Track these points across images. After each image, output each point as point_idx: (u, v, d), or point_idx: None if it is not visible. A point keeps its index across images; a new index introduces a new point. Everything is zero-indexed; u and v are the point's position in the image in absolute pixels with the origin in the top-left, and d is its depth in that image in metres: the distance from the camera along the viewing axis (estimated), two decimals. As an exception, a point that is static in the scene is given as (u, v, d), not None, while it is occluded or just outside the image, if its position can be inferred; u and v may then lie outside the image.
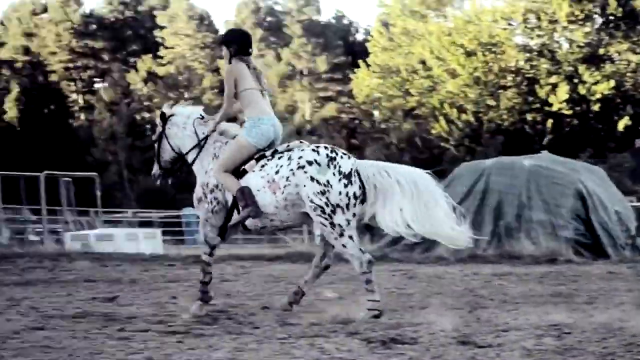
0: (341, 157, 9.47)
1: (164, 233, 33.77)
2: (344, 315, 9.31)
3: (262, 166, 9.66)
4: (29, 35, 70.30)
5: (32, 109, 63.37)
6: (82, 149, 60.90)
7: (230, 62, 10.05)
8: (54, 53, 69.65)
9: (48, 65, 68.52)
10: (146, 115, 68.99)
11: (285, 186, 9.46)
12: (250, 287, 13.77)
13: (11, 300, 11.33)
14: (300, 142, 9.87)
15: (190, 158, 10.24)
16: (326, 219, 9.31)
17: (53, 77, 68.20)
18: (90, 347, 7.64)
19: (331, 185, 9.28)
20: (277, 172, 9.53)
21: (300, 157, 9.48)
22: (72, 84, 71.68)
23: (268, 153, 9.75)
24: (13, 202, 32.21)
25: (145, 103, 69.44)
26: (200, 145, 10.15)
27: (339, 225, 9.30)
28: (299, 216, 9.62)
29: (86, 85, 72.36)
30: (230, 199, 9.76)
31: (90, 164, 55.30)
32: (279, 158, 9.63)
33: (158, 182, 10.57)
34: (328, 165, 9.35)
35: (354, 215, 9.35)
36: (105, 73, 71.55)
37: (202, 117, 10.38)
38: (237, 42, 10.13)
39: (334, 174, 9.31)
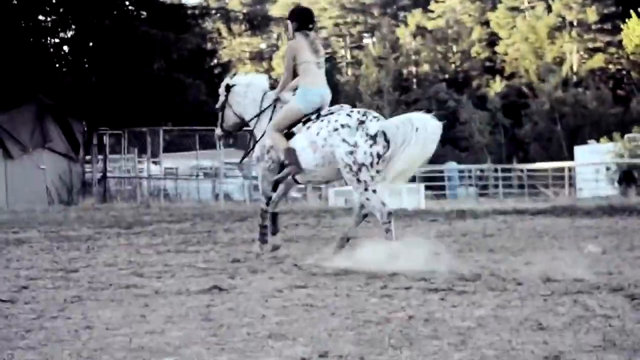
0: (370, 120, 10.60)
1: (426, 188, 33.63)
2: (605, 271, 9.27)
3: (307, 128, 10.92)
4: (297, -10, 71.78)
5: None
6: (349, 103, 61.60)
7: (293, 37, 11.13)
8: (324, 9, 70.72)
9: (318, 21, 69.58)
10: (413, 69, 69.04)
11: (322, 146, 10.71)
12: (513, 242, 13.39)
13: (274, 258, 11.35)
14: (341, 106, 11.01)
15: (252, 123, 11.71)
16: (353, 175, 10.52)
17: (323, 34, 69.24)
18: (352, 304, 7.58)
19: (358, 146, 10.46)
20: (317, 134, 10.77)
21: (336, 121, 10.67)
22: (341, 39, 72.66)
23: (313, 117, 10.93)
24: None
25: (413, 57, 69.48)
26: (260, 112, 11.56)
27: (364, 181, 10.50)
28: (336, 172, 10.84)
29: (355, 41, 73.16)
30: (282, 157, 11.08)
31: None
32: (321, 121, 10.82)
33: (220, 142, 11.72)
34: (357, 128, 10.51)
35: (378, 172, 10.52)
36: (374, 28, 72.10)
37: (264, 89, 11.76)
38: (298, 19, 11.22)
39: (361, 136, 10.48)
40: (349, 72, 71.44)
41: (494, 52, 68.94)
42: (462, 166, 48.33)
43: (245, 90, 11.73)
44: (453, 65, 69.96)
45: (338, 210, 22.12)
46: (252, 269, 10.25)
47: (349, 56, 72.79)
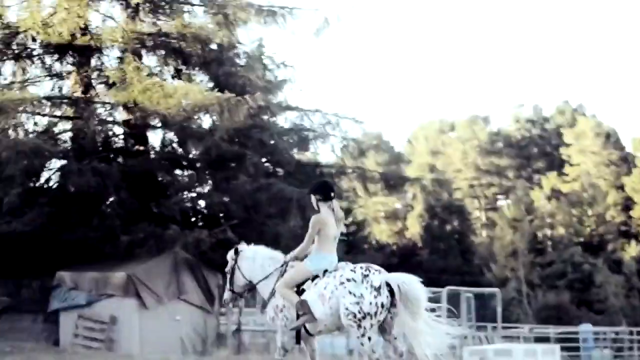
0: (373, 273, 12.04)
1: (562, 349, 33.41)
2: None
3: (315, 284, 12.27)
4: (435, 153, 72.59)
5: (434, 225, 65.04)
6: (482, 265, 61.61)
7: (317, 208, 12.50)
8: (459, 170, 71.31)
9: (453, 182, 70.17)
10: (548, 232, 68.73)
11: (329, 298, 12.06)
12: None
13: None
14: (346, 263, 12.38)
15: (260, 285, 12.99)
16: (355, 322, 11.85)
17: (457, 195, 69.68)
18: None
19: (364, 297, 11.86)
20: (325, 288, 12.14)
21: (341, 276, 12.08)
22: (476, 201, 72.94)
23: (320, 274, 12.31)
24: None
25: (548, 220, 69.24)
26: (269, 275, 12.90)
27: (364, 327, 11.82)
28: (341, 321, 12.08)
29: (489, 203, 73.36)
30: (294, 315, 12.34)
31: (489, 280, 55.81)
32: (327, 277, 12.22)
33: (230, 305, 12.79)
34: (362, 281, 11.93)
35: (379, 321, 11.92)
36: (509, 190, 72.26)
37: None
38: (320, 192, 12.62)
39: (366, 288, 11.89)
40: (484, 234, 71.41)
41: (629, 217, 68.34)
42: (597, 328, 47.70)
43: (254, 255, 13.15)
44: (588, 229, 69.40)
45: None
46: None
47: (483, 217, 72.87)
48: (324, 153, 38.19)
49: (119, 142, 34.62)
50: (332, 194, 12.73)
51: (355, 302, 11.87)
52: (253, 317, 35.71)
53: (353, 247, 47.02)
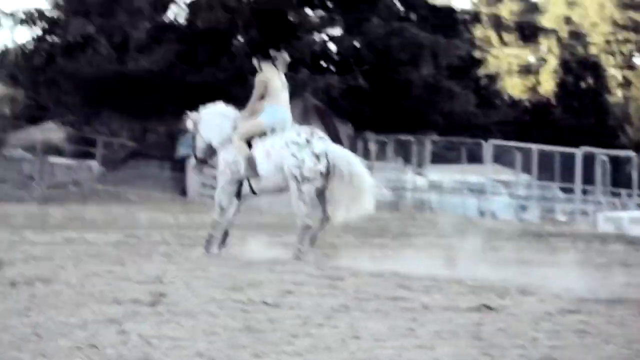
0: (316, 140, 12.35)
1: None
2: None
3: (263, 141, 12.53)
4: (571, 4, 70.17)
5: (569, 82, 63.24)
6: (616, 126, 59.81)
7: (260, 69, 12.78)
8: (595, 24, 68.94)
9: (588, 37, 67.81)
10: None
11: (273, 156, 12.37)
12: None
13: (544, 280, 11.05)
14: (293, 124, 12.74)
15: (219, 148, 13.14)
16: (297, 186, 12.23)
17: (592, 50, 67.45)
18: (627, 333, 7.35)
19: (304, 162, 12.20)
20: (272, 146, 12.43)
21: (287, 137, 12.40)
22: (611, 57, 70.57)
23: (268, 132, 12.62)
24: (546, 178, 32.22)
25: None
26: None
27: (303, 192, 12.24)
28: (283, 182, 12.42)
29: (626, 60, 70.92)
30: (242, 170, 12.59)
31: (623, 143, 54.12)
32: (274, 137, 12.50)
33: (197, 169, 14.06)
34: (305, 146, 12.25)
35: (317, 188, 12.30)
36: (646, 47, 69.82)
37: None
38: (259, 52, 12.99)
39: (307, 154, 12.22)
40: (619, 93, 69.27)
41: None
42: None
43: (211, 117, 13.29)
44: None
45: (607, 236, 21.59)
46: (521, 289, 10.03)
47: (619, 76, 70.57)
48: (458, -1, 37.26)
49: (251, -22, 33.79)
50: (272, 53, 12.96)
51: (296, 166, 12.29)
52: (383, 173, 35.12)
53: (485, 100, 45.67)
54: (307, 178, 12.28)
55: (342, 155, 12.61)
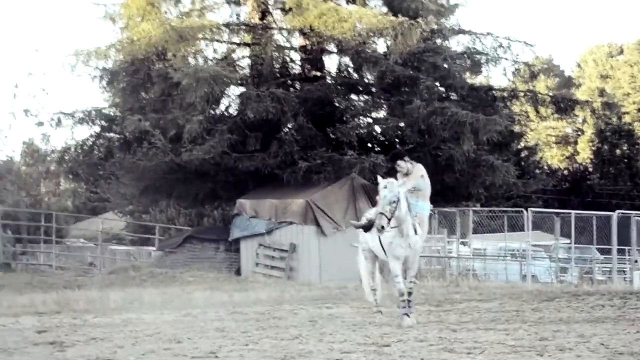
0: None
1: None
2: None
3: None
4: (604, 77, 71.01)
5: (604, 150, 63.83)
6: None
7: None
8: (627, 94, 69.66)
9: (622, 106, 68.49)
10: None
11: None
12: None
13: (581, 337, 11.64)
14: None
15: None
16: None
17: (626, 119, 68.16)
18: None
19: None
20: None
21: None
22: (644, 125, 71.10)
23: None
24: (584, 241, 32.92)
25: None
26: None
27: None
28: None
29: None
30: None
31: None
32: None
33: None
34: None
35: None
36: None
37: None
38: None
39: None
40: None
41: None
42: None
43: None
44: None
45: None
46: (560, 347, 10.45)
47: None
48: (495, 77, 37.96)
49: (296, 68, 35.00)
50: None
51: None
52: (428, 243, 35.86)
53: (525, 171, 46.59)
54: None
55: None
